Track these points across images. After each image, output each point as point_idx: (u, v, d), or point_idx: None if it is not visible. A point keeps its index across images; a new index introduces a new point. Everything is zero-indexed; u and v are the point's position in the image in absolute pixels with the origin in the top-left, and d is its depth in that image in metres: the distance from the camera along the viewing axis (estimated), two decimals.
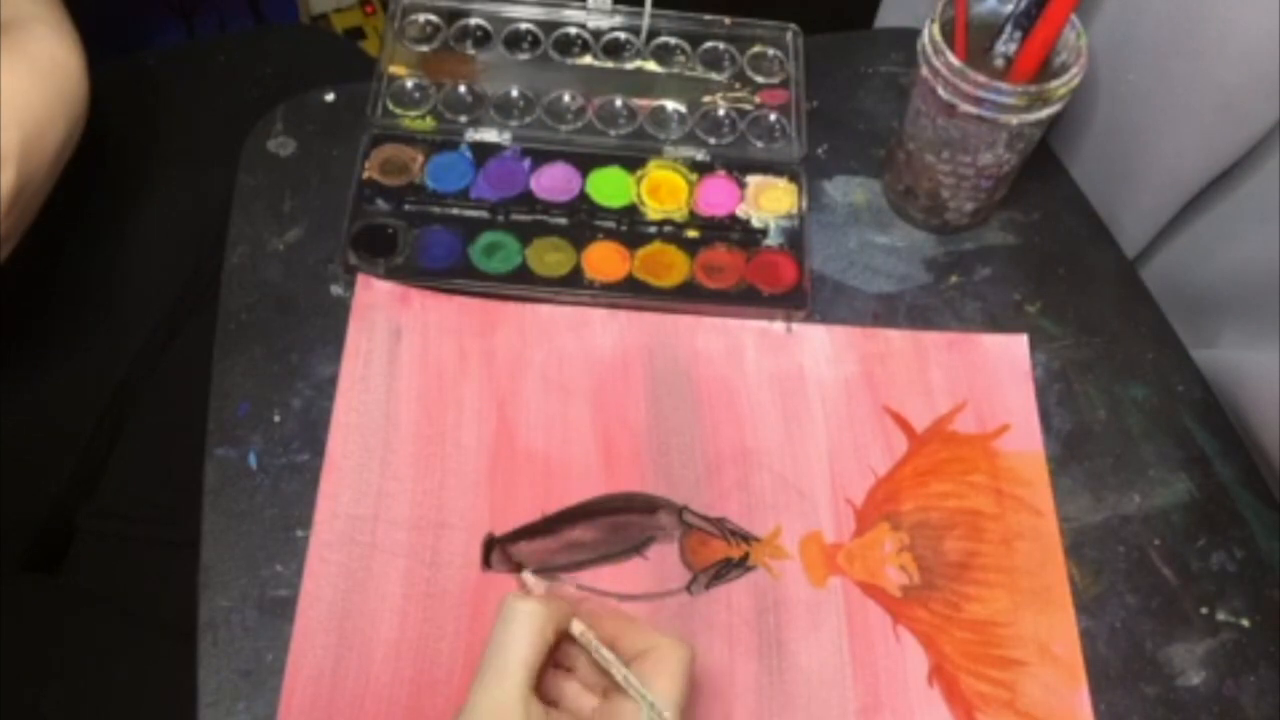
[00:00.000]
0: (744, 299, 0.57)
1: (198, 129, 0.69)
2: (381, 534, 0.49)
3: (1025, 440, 0.55)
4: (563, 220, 0.59)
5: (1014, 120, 0.53)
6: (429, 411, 0.53)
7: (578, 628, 0.41)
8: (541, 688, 0.41)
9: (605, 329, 0.57)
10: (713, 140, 0.63)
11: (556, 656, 0.42)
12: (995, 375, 0.57)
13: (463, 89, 0.63)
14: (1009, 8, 0.55)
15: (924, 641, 0.49)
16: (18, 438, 0.60)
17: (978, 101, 0.52)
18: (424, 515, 0.50)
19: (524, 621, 0.39)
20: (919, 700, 0.48)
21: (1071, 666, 0.49)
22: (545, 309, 0.57)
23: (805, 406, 0.55)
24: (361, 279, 0.56)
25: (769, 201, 0.61)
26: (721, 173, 0.62)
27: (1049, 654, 0.49)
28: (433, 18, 0.65)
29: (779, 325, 0.57)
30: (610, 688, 0.41)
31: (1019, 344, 0.57)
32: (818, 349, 0.57)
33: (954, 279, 0.60)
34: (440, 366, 0.54)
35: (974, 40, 0.55)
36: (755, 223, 0.60)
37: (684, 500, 0.52)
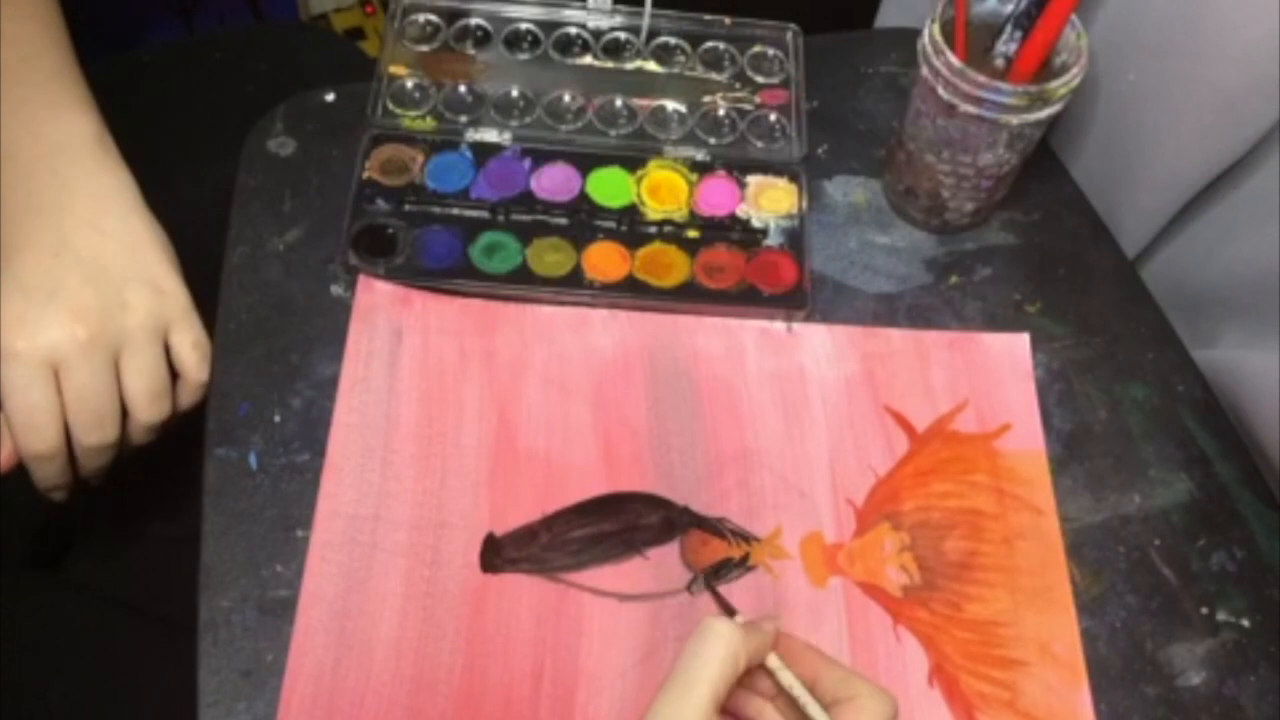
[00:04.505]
0: (744, 299, 0.57)
1: (196, 126, 0.69)
2: (382, 534, 0.49)
3: (1026, 440, 0.55)
4: (563, 220, 0.59)
5: (1014, 120, 0.53)
6: (430, 412, 0.53)
7: (774, 661, 0.40)
8: (731, 704, 0.40)
9: (606, 329, 0.57)
10: (713, 140, 0.63)
11: (749, 682, 0.41)
12: (996, 375, 0.57)
13: (463, 89, 0.63)
14: (1009, 8, 0.55)
15: (924, 641, 0.49)
16: None
17: (978, 101, 0.52)
18: (424, 515, 0.50)
19: (718, 642, 0.38)
20: (919, 700, 0.48)
21: (1072, 666, 0.49)
22: (546, 309, 0.57)
23: (806, 406, 0.55)
24: (362, 280, 0.56)
25: (769, 201, 0.61)
26: (721, 173, 0.62)
27: (1049, 654, 0.49)
28: (433, 18, 0.65)
29: (779, 325, 0.57)
30: None
31: (1020, 343, 0.57)
32: (818, 348, 0.57)
33: (954, 279, 0.60)
34: (441, 367, 0.54)
35: (974, 40, 0.55)
36: (755, 223, 0.60)
37: (684, 500, 0.52)
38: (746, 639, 0.39)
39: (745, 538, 0.51)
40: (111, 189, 0.51)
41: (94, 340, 0.48)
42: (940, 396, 0.56)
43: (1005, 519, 0.52)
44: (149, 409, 0.50)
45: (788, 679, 0.39)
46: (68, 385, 0.48)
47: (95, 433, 0.49)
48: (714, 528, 0.51)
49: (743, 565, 0.50)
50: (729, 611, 0.44)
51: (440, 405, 0.53)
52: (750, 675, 0.40)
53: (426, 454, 0.52)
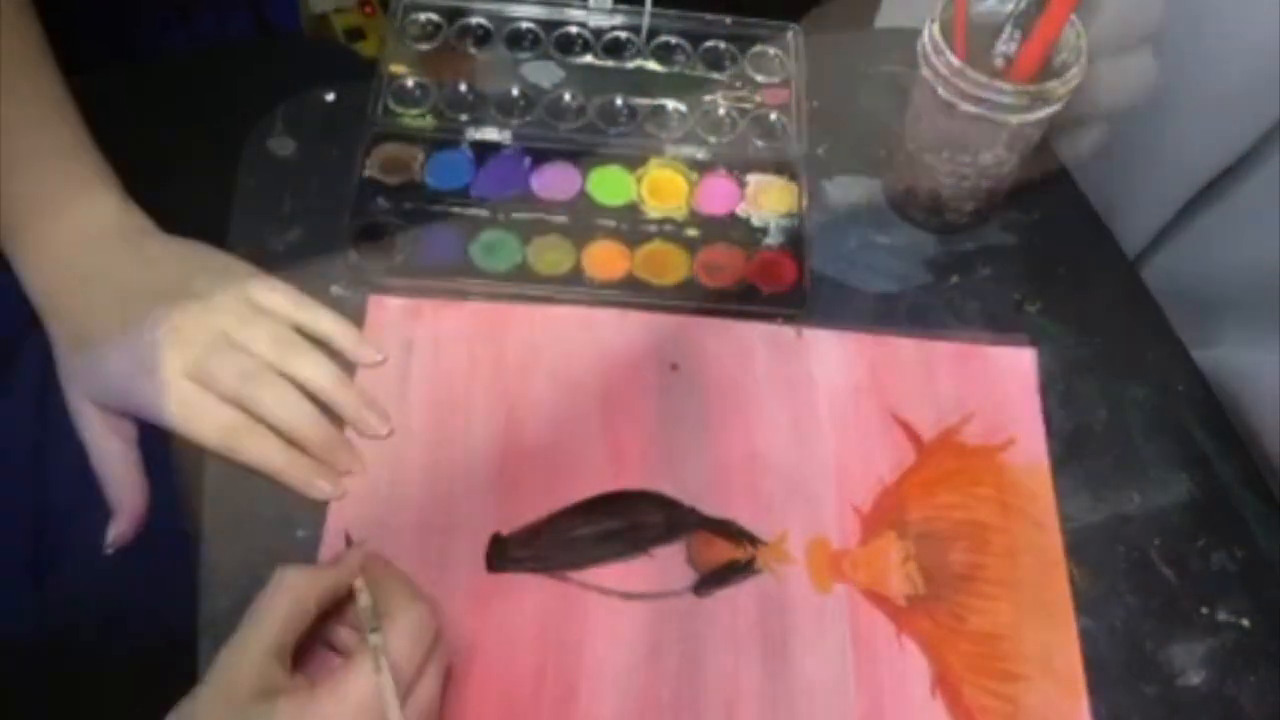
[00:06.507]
0: (744, 298, 0.57)
1: (198, 135, 0.69)
2: (389, 539, 0.49)
3: (1031, 453, 0.54)
4: (563, 219, 0.59)
5: (1014, 120, 0.53)
6: (439, 418, 0.53)
7: (359, 584, 0.43)
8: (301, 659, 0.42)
9: (616, 330, 0.56)
10: (713, 139, 0.63)
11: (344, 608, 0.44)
12: (1002, 388, 0.56)
13: (463, 88, 0.63)
14: (1009, 8, 0.55)
15: (927, 651, 0.49)
16: None
17: (978, 101, 0.52)
18: (432, 519, 0.50)
19: (282, 595, 0.40)
20: (921, 710, 0.48)
21: (1072, 681, 0.49)
22: (555, 310, 0.57)
23: (813, 411, 0.55)
24: (373, 300, 0.56)
25: (769, 200, 0.61)
26: (722, 172, 0.62)
27: (1050, 668, 0.49)
28: (433, 16, 0.65)
29: (789, 329, 0.57)
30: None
31: (1025, 358, 0.57)
32: (827, 354, 0.56)
33: (954, 279, 0.60)
34: (451, 375, 0.54)
35: (974, 40, 0.55)
36: (755, 222, 0.60)
37: (691, 501, 0.51)
38: (317, 583, 0.41)
39: (751, 540, 0.51)
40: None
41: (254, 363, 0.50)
42: (947, 407, 0.55)
43: (1009, 532, 0.52)
44: (336, 388, 0.51)
45: (363, 601, 0.42)
46: (263, 410, 0.50)
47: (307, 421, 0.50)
48: (720, 529, 0.51)
49: (748, 568, 0.50)
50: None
51: (449, 410, 0.53)
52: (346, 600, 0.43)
53: (435, 458, 0.52)
